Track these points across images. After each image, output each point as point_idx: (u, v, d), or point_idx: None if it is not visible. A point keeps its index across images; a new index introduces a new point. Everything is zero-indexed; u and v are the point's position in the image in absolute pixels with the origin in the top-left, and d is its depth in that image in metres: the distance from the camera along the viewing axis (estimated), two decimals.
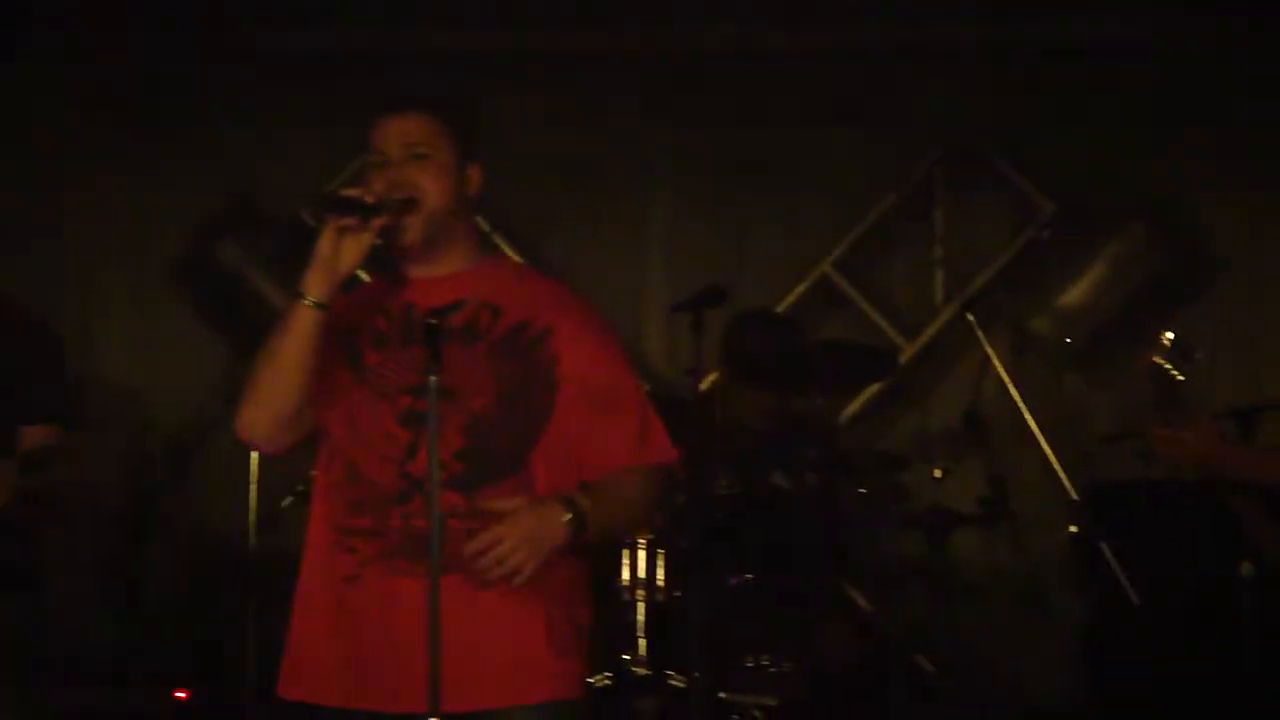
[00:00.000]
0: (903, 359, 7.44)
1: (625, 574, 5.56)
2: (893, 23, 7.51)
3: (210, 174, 7.65)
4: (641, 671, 5.50)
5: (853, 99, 7.55)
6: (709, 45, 7.65)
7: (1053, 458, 6.45)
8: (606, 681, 5.44)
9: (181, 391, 7.61)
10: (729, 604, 5.71)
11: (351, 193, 3.62)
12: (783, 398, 6.44)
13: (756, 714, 5.57)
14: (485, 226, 7.40)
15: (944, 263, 7.61)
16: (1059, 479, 6.47)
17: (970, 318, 6.69)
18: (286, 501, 6.51)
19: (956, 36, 7.50)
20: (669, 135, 7.72)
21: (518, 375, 3.68)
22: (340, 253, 3.56)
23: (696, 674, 5.43)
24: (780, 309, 7.46)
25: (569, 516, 3.56)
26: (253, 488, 6.56)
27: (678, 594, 5.57)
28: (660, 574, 5.57)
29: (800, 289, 7.61)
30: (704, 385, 6.31)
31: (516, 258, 7.42)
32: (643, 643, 5.52)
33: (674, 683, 5.47)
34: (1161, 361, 4.04)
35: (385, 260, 3.78)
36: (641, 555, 5.57)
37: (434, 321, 3.53)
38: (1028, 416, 6.50)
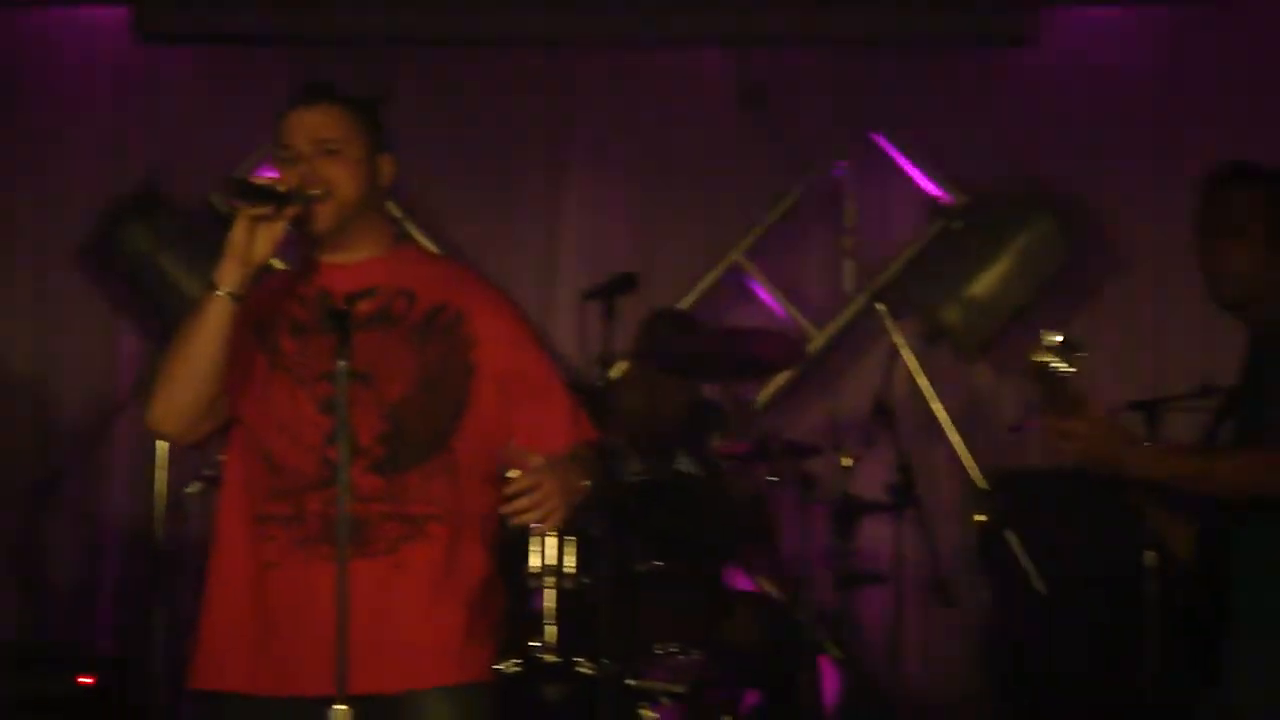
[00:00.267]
0: (812, 348, 7.48)
1: (534, 561, 5.55)
2: (804, 12, 7.53)
3: (115, 157, 7.59)
4: (550, 658, 5.49)
5: (767, 85, 7.57)
6: (620, 32, 7.65)
7: (961, 447, 6.50)
8: (516, 668, 5.43)
9: (87, 375, 7.55)
10: (638, 591, 5.71)
11: (264, 181, 3.61)
12: (693, 388, 6.46)
13: (665, 700, 5.58)
14: (397, 213, 7.38)
15: (854, 253, 7.64)
16: (967, 468, 6.51)
17: (880, 307, 6.73)
18: (193, 487, 6.47)
19: (868, 26, 7.53)
20: (581, 123, 7.72)
21: (436, 358, 3.69)
22: (254, 242, 3.54)
23: (605, 661, 5.43)
24: (691, 297, 7.47)
25: (586, 481, 3.65)
26: (159, 474, 6.52)
27: (587, 581, 5.57)
28: (569, 561, 5.56)
29: (711, 277, 7.63)
30: (614, 372, 6.31)
31: (429, 245, 7.41)
32: (552, 630, 5.51)
33: (583, 669, 5.47)
34: (1045, 358, 4.06)
35: (300, 248, 3.77)
36: (551, 542, 5.56)
37: (341, 308, 3.55)
38: (936, 406, 6.55)
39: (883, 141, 7.62)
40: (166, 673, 6.48)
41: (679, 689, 5.60)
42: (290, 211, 3.57)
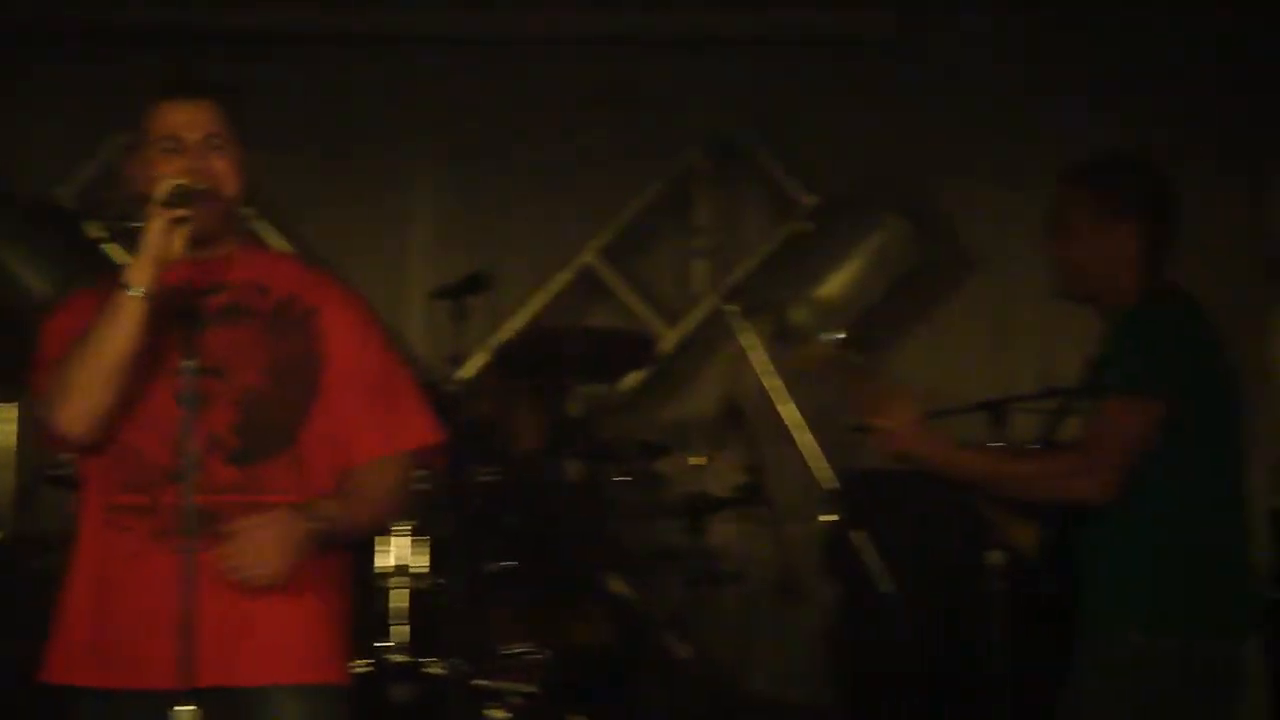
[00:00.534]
0: (663, 348, 7.49)
1: (385, 561, 5.53)
2: (658, 11, 7.55)
3: None
4: (400, 659, 5.47)
5: (617, 87, 7.58)
6: (476, 29, 7.62)
7: (809, 447, 6.54)
8: (365, 669, 5.40)
9: None
10: (489, 591, 5.70)
11: (191, 184, 3.59)
12: (541, 383, 6.44)
13: (514, 700, 5.58)
14: (246, 209, 7.31)
15: (706, 253, 7.67)
16: (815, 468, 6.55)
17: (731, 308, 6.76)
18: (45, 483, 6.38)
19: (721, 26, 7.56)
20: (433, 120, 7.68)
21: (287, 350, 3.71)
22: (171, 242, 3.53)
23: (455, 661, 5.42)
24: (542, 298, 7.46)
25: (304, 525, 3.58)
26: (7, 472, 6.43)
27: (438, 581, 5.56)
28: (420, 561, 5.55)
29: (563, 277, 7.63)
30: (465, 372, 6.30)
31: (278, 241, 7.36)
32: (401, 630, 5.49)
33: (432, 670, 5.45)
34: (828, 353, 4.15)
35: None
36: (402, 542, 5.54)
37: (190, 304, 3.56)
38: (785, 406, 6.58)
39: (735, 142, 7.65)
40: (19, 670, 6.37)
41: (528, 689, 5.60)
42: (198, 210, 3.57)
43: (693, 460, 6.70)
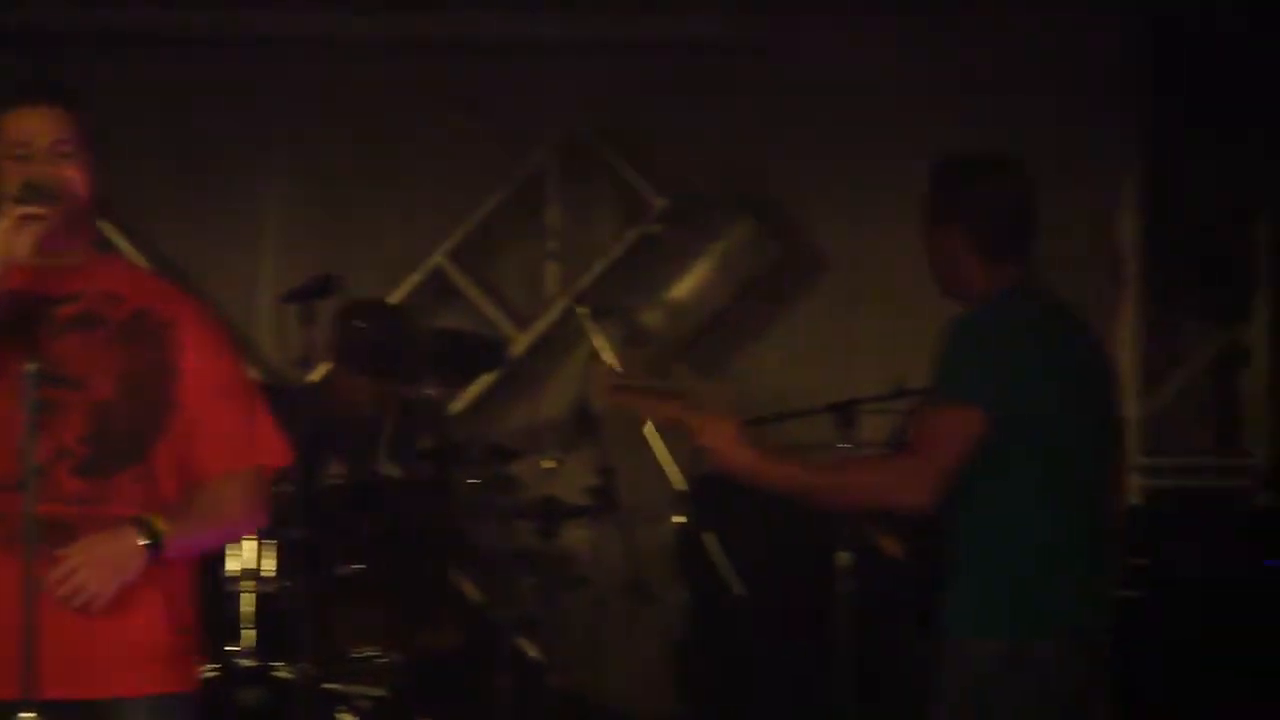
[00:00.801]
0: (515, 350, 7.48)
1: (233, 565, 5.48)
2: (512, 14, 7.53)
3: None
4: (248, 663, 5.43)
5: (469, 90, 7.56)
6: (326, 31, 7.57)
7: (661, 449, 6.55)
8: (212, 673, 5.35)
9: None
10: (338, 594, 5.67)
11: (46, 180, 3.56)
12: (391, 386, 6.42)
13: (363, 704, 5.55)
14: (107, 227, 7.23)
15: (557, 256, 7.67)
16: (667, 470, 6.58)
17: (581, 310, 6.77)
18: None
19: (571, 30, 7.56)
20: (281, 123, 7.62)
21: (141, 362, 3.66)
22: (17, 241, 3.49)
23: (304, 665, 5.38)
24: (394, 299, 7.43)
25: (145, 541, 3.53)
26: None
27: (286, 584, 5.52)
28: (269, 564, 5.51)
29: (414, 279, 7.60)
30: (315, 376, 6.26)
31: (126, 246, 7.28)
32: (250, 634, 5.45)
33: (281, 674, 5.42)
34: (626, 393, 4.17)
35: None
36: (250, 546, 5.49)
37: (39, 309, 3.52)
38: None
39: (587, 144, 7.66)
40: None
41: (377, 693, 5.58)
42: (53, 212, 3.53)
43: (544, 463, 6.69)
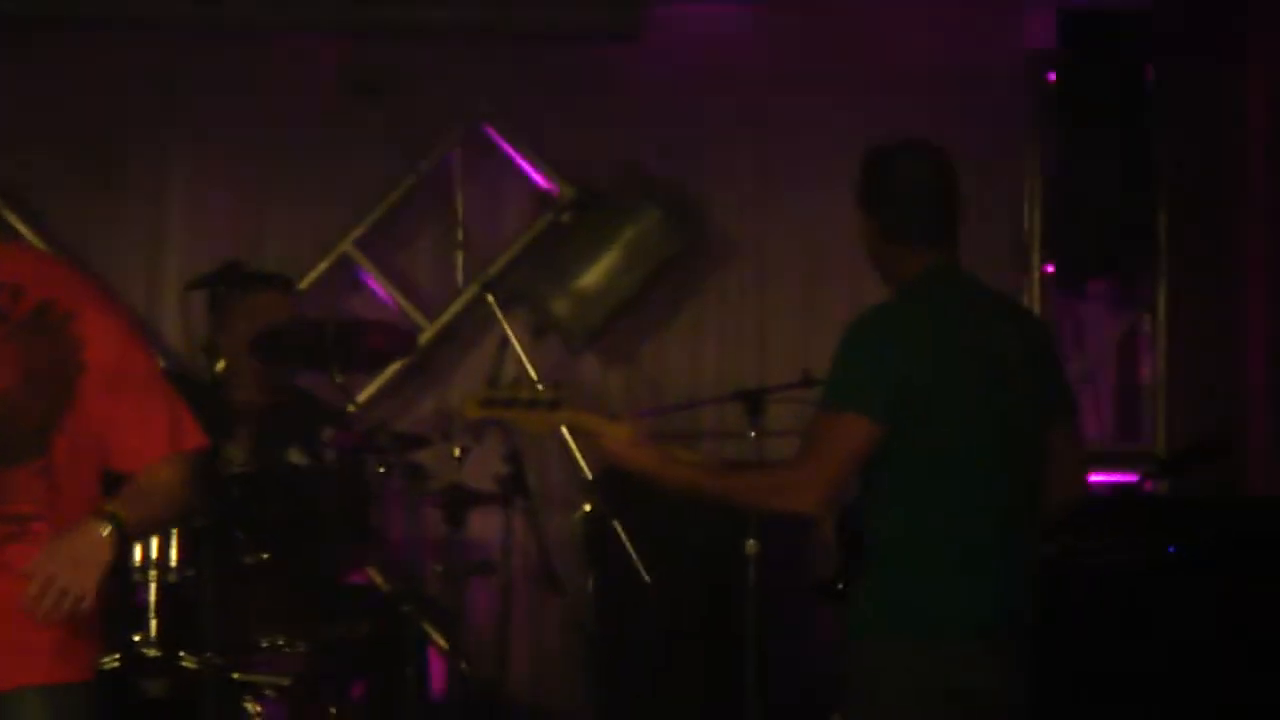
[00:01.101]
0: (423, 339, 7.47)
1: (137, 554, 5.44)
2: (416, 1, 7.51)
3: None
4: (152, 653, 5.39)
5: (377, 75, 7.54)
6: (230, 16, 7.52)
7: (569, 436, 6.56)
8: (115, 663, 5.31)
9: None
10: (244, 583, 5.65)
11: None
12: (290, 372, 6.39)
13: (269, 693, 5.53)
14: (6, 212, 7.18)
15: (465, 244, 7.67)
16: (575, 458, 6.59)
17: (490, 299, 6.77)
18: None
19: (481, 17, 7.54)
20: (186, 108, 7.58)
21: (42, 356, 3.62)
22: None
23: (209, 654, 5.36)
24: (301, 287, 7.39)
25: (108, 530, 3.50)
26: None
27: (190, 573, 5.48)
28: (173, 553, 5.47)
29: (321, 267, 7.57)
30: (220, 364, 6.22)
31: (26, 232, 7.22)
32: (154, 623, 5.42)
33: (186, 664, 5.38)
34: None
35: None
36: (153, 535, 5.46)
37: None
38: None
39: (493, 133, 7.66)
40: None
41: (284, 682, 5.55)
42: None
43: (454, 450, 6.69)
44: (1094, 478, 4.53)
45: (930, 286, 4.14)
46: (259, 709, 5.47)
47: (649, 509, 6.40)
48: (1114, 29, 7.42)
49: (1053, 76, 7.53)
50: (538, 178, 7.66)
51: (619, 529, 6.38)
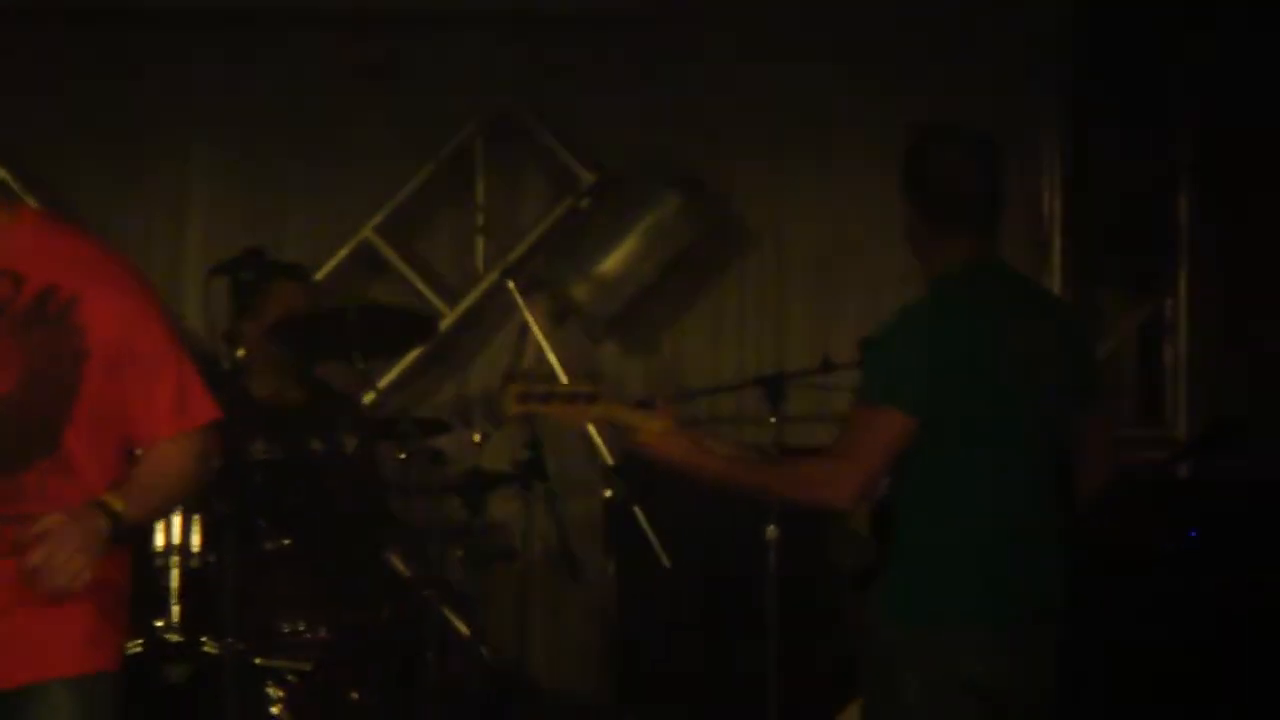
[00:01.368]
0: (443, 325, 7.48)
1: (159, 539, 5.47)
2: None
3: None
4: (174, 638, 5.42)
5: (396, 62, 7.54)
6: (249, 6, 7.54)
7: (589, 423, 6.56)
8: (138, 649, 5.34)
9: None
10: (265, 569, 5.67)
11: None
12: (314, 361, 6.40)
13: (291, 679, 5.55)
14: (13, 184, 7.18)
15: (485, 230, 7.67)
16: (595, 443, 6.59)
17: (510, 285, 6.77)
18: None
19: (499, 2, 7.55)
20: (209, 94, 7.59)
21: (44, 349, 3.56)
22: None
23: (231, 640, 5.38)
24: (321, 274, 7.41)
25: (104, 520, 3.48)
26: None
27: (212, 559, 5.51)
28: (195, 539, 5.50)
29: (342, 254, 7.58)
30: (242, 350, 6.24)
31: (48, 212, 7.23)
32: (176, 609, 5.44)
33: (208, 649, 5.41)
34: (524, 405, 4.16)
35: None
36: (176, 520, 5.48)
37: None
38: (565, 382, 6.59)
39: (515, 118, 7.65)
40: None
41: (305, 667, 5.58)
42: None
43: (474, 436, 6.70)
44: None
45: (971, 280, 4.13)
46: (280, 694, 5.50)
47: (669, 494, 6.41)
48: (1136, 9, 7.39)
49: (1074, 60, 7.50)
50: (559, 164, 7.64)
51: (639, 514, 6.39)
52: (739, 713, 6.42)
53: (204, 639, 5.42)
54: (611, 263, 7.47)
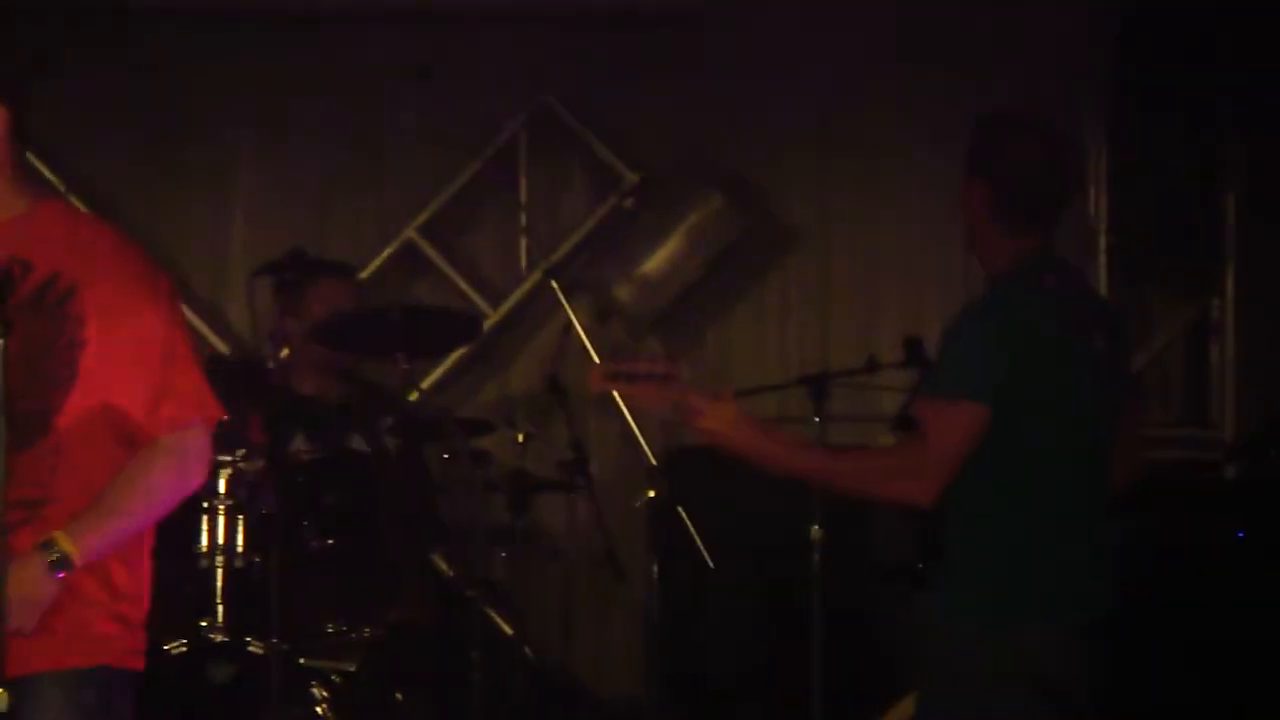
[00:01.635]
0: (487, 325, 7.48)
1: (204, 539, 5.47)
2: None
3: None
4: (219, 638, 5.42)
5: (439, 62, 7.54)
6: (294, 5, 7.55)
7: (633, 422, 6.56)
8: (182, 649, 5.35)
9: None
10: (309, 569, 5.67)
11: None
12: (354, 359, 6.40)
13: (335, 679, 5.55)
14: (60, 186, 7.20)
15: (528, 230, 7.67)
16: (639, 443, 6.58)
17: (554, 285, 6.77)
18: None
19: (545, 2, 7.54)
20: (253, 95, 7.60)
21: (41, 337, 3.58)
22: None
23: (275, 640, 5.38)
24: (365, 273, 7.42)
25: (51, 559, 3.50)
26: None
27: (257, 559, 5.51)
28: (239, 540, 5.50)
29: (385, 254, 7.59)
30: (286, 350, 6.25)
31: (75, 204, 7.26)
32: (221, 609, 5.45)
33: (253, 649, 5.41)
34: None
35: None
36: (221, 520, 5.49)
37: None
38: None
39: (558, 118, 7.65)
40: None
41: (350, 667, 5.58)
42: None
43: (517, 436, 6.70)
44: (1164, 461, 4.51)
45: (1033, 275, 4.10)
46: (325, 694, 5.50)
47: (714, 494, 6.40)
48: (1185, 8, 7.34)
49: (1121, 56, 7.46)
50: (602, 164, 7.63)
51: (683, 514, 6.37)
52: (783, 714, 6.41)
53: (249, 639, 5.42)
54: (655, 262, 7.46)
